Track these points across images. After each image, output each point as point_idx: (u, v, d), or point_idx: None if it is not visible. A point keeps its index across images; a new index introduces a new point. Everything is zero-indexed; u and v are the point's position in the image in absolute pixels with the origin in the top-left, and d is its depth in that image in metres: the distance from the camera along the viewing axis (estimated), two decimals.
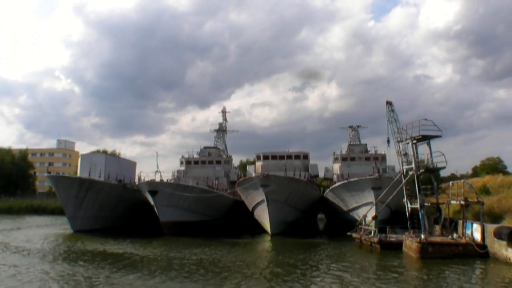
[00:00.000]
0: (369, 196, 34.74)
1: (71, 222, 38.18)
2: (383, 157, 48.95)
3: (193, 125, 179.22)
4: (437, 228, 28.64)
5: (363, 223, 30.51)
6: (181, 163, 51.92)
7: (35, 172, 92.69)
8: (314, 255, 25.53)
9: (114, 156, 47.53)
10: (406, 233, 26.01)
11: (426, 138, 27.82)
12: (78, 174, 42.88)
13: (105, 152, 77.86)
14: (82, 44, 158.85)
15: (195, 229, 37.86)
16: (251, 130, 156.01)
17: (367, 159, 48.53)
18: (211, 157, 51.92)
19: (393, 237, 26.53)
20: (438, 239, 22.88)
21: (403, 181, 28.74)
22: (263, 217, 37.51)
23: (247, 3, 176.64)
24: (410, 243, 22.98)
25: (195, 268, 20.41)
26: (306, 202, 42.21)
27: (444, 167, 28.28)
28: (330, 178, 49.21)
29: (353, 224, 38.80)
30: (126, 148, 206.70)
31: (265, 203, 35.50)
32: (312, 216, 49.87)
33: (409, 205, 29.28)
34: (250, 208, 41.82)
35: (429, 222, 28.36)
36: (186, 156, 52.17)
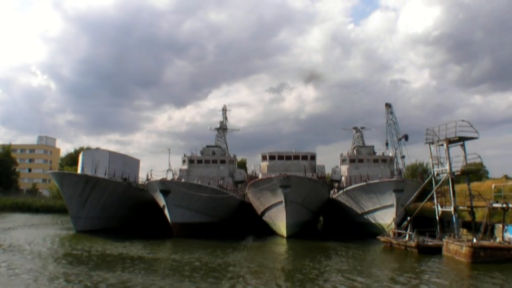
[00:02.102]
0: (390, 199, 34.10)
1: (75, 222, 35.80)
2: (391, 159, 48.73)
3: (169, 124, 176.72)
4: (464, 231, 28.20)
5: (393, 226, 29.68)
6: (183, 162, 50.08)
7: (15, 168, 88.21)
8: (347, 258, 24.18)
9: (118, 153, 45.08)
10: (446, 237, 25.33)
11: (461, 140, 27.28)
12: (79, 171, 40.48)
13: (89, 149, 74.69)
14: (59, 39, 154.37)
15: (204, 230, 36.26)
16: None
17: (375, 161, 48.11)
18: (215, 156, 50.29)
19: (430, 241, 25.77)
20: (486, 243, 22.22)
21: (436, 185, 28.15)
22: (279, 218, 36.21)
23: (227, 2, 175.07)
24: (457, 247, 22.23)
25: (242, 274, 19.01)
26: (318, 204, 41.27)
27: (480, 170, 27.81)
28: (337, 180, 48.47)
29: (365, 227, 38.19)
30: (101, 146, 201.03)
31: (282, 204, 34.21)
32: (318, 218, 49.11)
33: (439, 208, 28.77)
34: (261, 210, 40.45)
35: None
36: (189, 154, 50.43)
